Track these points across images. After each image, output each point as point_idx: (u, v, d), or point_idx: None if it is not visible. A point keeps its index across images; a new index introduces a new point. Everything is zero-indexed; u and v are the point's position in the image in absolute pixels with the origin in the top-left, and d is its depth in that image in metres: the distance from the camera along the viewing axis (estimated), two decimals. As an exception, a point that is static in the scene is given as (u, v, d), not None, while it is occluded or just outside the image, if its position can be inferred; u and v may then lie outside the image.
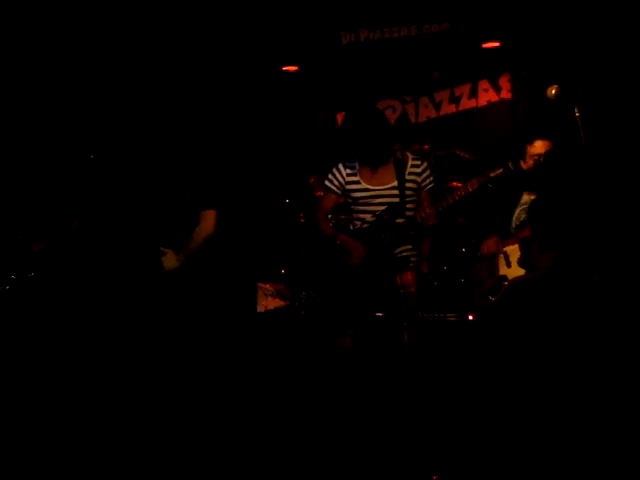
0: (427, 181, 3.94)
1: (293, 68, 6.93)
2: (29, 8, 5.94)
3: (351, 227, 4.16)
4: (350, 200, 4.01)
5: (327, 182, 4.04)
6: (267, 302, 6.21)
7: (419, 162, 3.92)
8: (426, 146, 6.06)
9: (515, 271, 4.30)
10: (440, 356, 4.52)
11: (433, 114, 6.91)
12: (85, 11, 6.10)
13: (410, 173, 3.88)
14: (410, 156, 3.94)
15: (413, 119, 6.97)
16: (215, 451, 3.58)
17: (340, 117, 7.14)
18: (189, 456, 3.53)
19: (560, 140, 4.15)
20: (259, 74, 6.83)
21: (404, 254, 3.91)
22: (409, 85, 6.94)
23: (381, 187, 3.89)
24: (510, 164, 3.74)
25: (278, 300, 6.24)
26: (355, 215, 4.03)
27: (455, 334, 5.13)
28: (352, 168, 3.96)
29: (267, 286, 6.25)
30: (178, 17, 6.48)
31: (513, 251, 4.33)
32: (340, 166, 4.00)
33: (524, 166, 4.41)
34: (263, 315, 6.12)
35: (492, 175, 3.75)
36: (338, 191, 4.00)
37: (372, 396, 3.97)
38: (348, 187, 3.96)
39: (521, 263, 4.21)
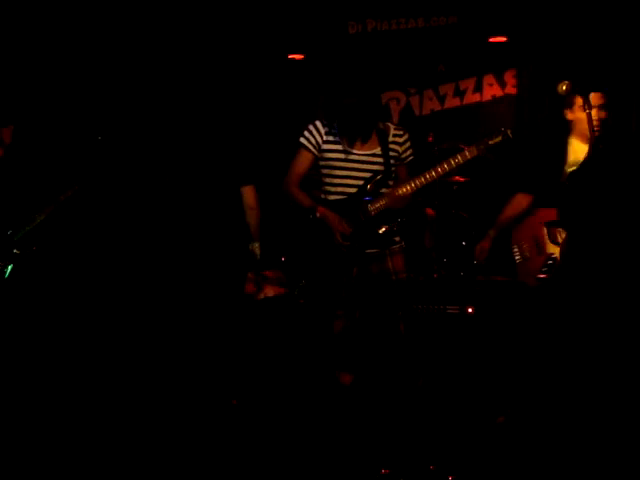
0: (407, 152, 3.75)
1: (299, 56, 6.93)
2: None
3: (322, 196, 3.81)
4: (323, 163, 3.70)
5: (303, 139, 3.67)
6: (266, 290, 6.21)
7: (402, 132, 3.74)
8: (429, 139, 6.07)
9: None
10: (439, 347, 4.51)
11: (437, 107, 6.91)
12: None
13: (392, 142, 3.68)
14: (392, 126, 3.75)
15: (417, 111, 6.97)
16: (214, 447, 3.56)
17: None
18: (188, 452, 3.53)
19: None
20: (264, 61, 6.81)
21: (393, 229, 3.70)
22: (414, 77, 6.94)
23: (363, 152, 3.65)
24: (509, 132, 3.61)
25: (277, 288, 6.23)
26: (329, 180, 3.72)
27: (455, 326, 5.14)
28: (331, 127, 3.65)
29: (267, 273, 6.25)
30: (184, 3, 6.47)
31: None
32: (318, 123, 3.67)
33: (569, 116, 4.00)
34: (262, 303, 6.12)
35: (491, 143, 3.61)
36: (315, 150, 3.64)
37: (369, 389, 3.93)
38: (325, 147, 3.64)
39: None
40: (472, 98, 6.85)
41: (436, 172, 3.60)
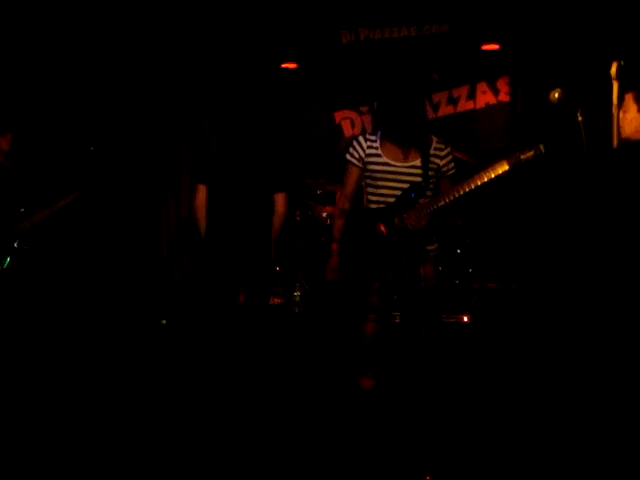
0: (449, 166, 3.77)
1: (292, 65, 6.94)
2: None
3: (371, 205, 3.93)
4: (367, 174, 3.81)
5: (348, 156, 3.82)
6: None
7: (443, 146, 3.76)
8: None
9: None
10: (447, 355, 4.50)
11: (431, 115, 6.90)
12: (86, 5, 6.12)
13: (433, 155, 3.71)
14: (435, 139, 3.75)
15: (411, 119, 6.98)
16: (214, 450, 3.55)
17: (338, 115, 7.16)
18: (188, 454, 3.52)
19: (561, 145, 4.11)
20: (258, 71, 6.81)
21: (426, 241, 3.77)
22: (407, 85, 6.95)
23: (403, 164, 3.71)
24: (541, 146, 3.44)
25: (272, 298, 6.23)
26: (371, 190, 3.83)
27: (452, 334, 5.13)
28: (373, 141, 3.77)
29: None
30: (178, 13, 6.47)
31: None
32: (360, 138, 3.81)
33: None
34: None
35: (523, 157, 3.43)
36: (359, 164, 3.78)
37: (386, 395, 3.93)
38: (368, 159, 3.76)
39: None
40: (465, 106, 6.87)
41: (462, 189, 3.56)
